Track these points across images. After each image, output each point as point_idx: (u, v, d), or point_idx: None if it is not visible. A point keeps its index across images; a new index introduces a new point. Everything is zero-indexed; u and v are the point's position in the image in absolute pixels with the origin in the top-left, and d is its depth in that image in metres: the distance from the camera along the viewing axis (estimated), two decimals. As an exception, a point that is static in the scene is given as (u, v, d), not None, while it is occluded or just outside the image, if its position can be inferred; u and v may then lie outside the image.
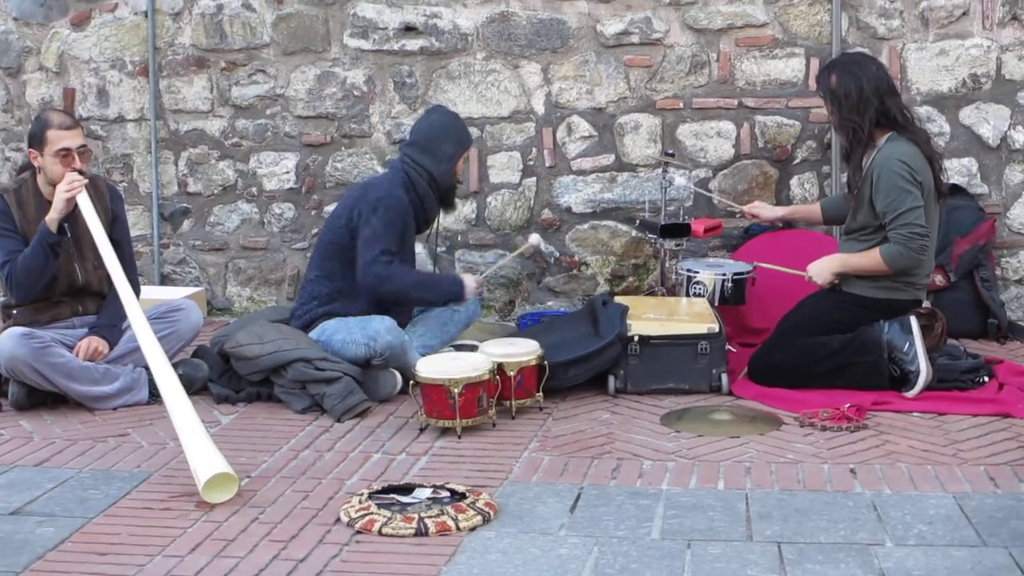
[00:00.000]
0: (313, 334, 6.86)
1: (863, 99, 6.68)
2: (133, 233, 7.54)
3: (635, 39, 8.26)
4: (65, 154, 6.60)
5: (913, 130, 6.76)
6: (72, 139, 6.64)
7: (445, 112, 7.27)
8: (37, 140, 6.66)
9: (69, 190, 6.50)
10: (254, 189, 8.76)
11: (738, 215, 7.90)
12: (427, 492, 5.27)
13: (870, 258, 6.64)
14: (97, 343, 6.67)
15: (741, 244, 8.08)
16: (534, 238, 7.62)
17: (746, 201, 7.94)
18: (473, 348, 6.77)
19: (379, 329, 6.72)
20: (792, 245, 7.64)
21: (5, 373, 6.54)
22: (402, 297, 7.00)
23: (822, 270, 6.80)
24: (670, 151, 8.06)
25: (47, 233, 6.51)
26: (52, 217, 6.52)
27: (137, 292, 6.46)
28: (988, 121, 8.06)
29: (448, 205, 7.23)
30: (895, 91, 6.88)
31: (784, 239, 7.83)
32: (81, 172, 6.59)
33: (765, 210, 7.50)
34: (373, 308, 6.90)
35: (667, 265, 7.74)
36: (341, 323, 6.82)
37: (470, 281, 7.06)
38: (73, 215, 6.59)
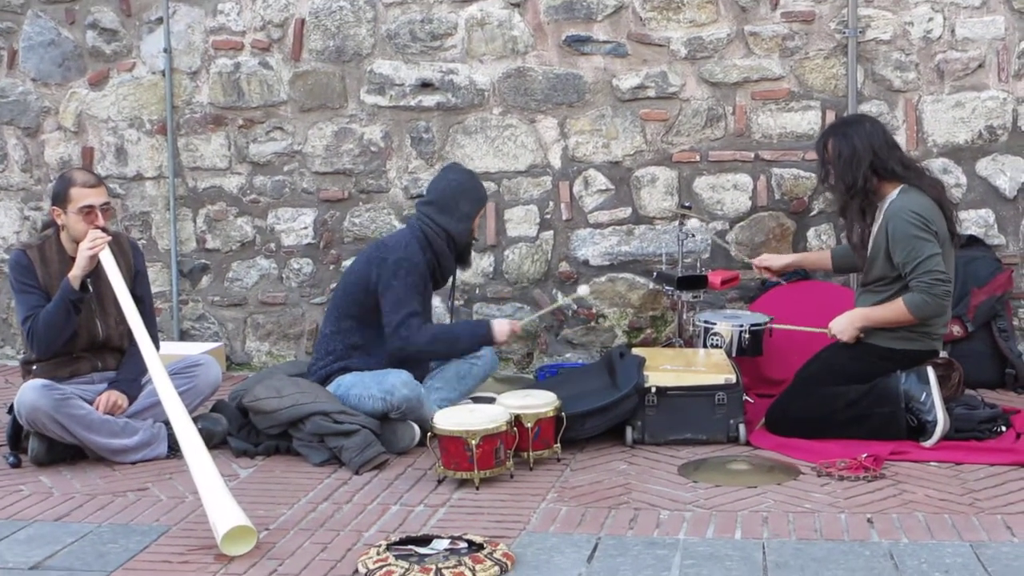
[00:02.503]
0: (329, 388, 6.88)
1: (855, 156, 6.76)
2: (152, 289, 7.57)
3: (651, 93, 8.30)
4: (88, 211, 6.64)
5: (921, 180, 6.79)
6: (95, 197, 6.68)
7: (462, 171, 7.30)
8: (60, 198, 6.70)
9: (92, 247, 6.54)
10: (272, 245, 8.81)
11: (754, 269, 7.93)
12: (445, 543, 5.27)
13: (894, 309, 6.65)
14: (117, 397, 6.70)
15: (759, 296, 8.09)
16: (583, 289, 7.57)
17: (762, 253, 7.96)
18: (491, 400, 6.78)
19: (395, 383, 6.73)
20: (810, 297, 7.65)
21: (26, 425, 6.57)
22: (431, 354, 7.06)
23: (845, 327, 6.80)
24: (687, 204, 8.09)
25: (70, 290, 6.55)
26: (75, 274, 6.56)
27: (157, 347, 6.48)
28: (1005, 172, 8.08)
29: (464, 263, 7.26)
30: (893, 144, 6.93)
31: (802, 291, 7.84)
32: (104, 229, 6.64)
33: (773, 260, 7.50)
34: (389, 362, 6.92)
35: (684, 317, 7.75)
36: (357, 377, 6.84)
37: (502, 324, 7.07)
38: (96, 272, 6.63)
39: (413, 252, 6.93)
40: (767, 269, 7.52)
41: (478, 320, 7.29)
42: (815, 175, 8.11)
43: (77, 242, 6.63)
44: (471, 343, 7.09)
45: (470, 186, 7.15)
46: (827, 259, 7.40)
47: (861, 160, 6.75)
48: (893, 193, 6.76)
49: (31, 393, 6.48)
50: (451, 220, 7.02)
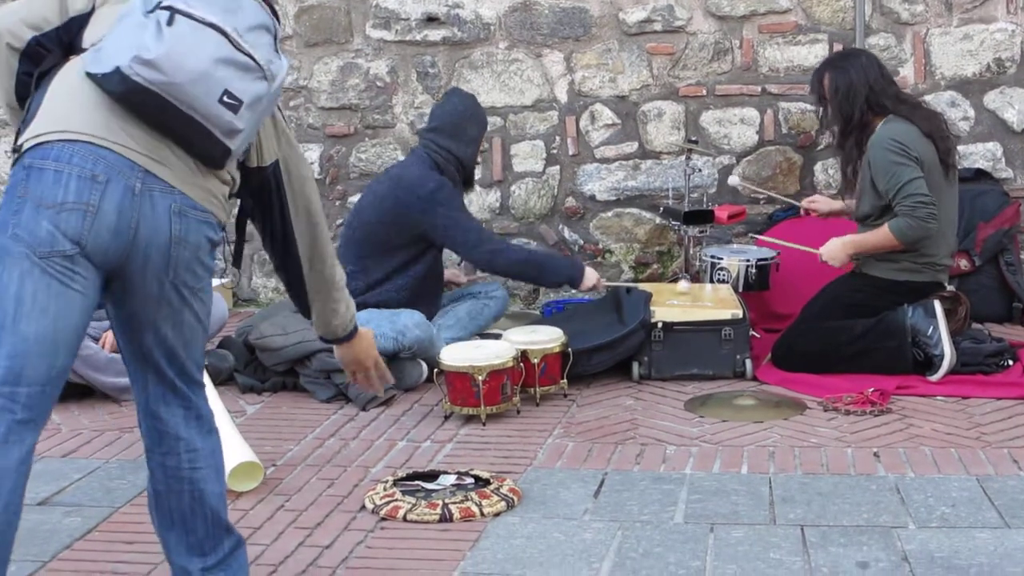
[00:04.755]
0: (343, 325, 6.88)
1: (852, 89, 6.78)
2: (159, 225, 7.54)
3: (657, 27, 8.26)
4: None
5: (914, 113, 6.77)
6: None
7: (465, 95, 7.26)
8: None
9: None
10: (279, 180, 8.78)
11: (762, 201, 7.91)
12: (451, 479, 5.29)
13: (880, 234, 6.67)
14: (122, 334, 6.70)
15: (765, 230, 8.07)
16: (683, 285, 7.47)
17: (770, 187, 7.96)
18: (497, 336, 6.78)
19: (408, 324, 6.73)
20: (814, 230, 7.62)
21: (32, 365, 6.57)
22: (517, 273, 7.13)
23: (834, 252, 6.82)
24: (693, 138, 8.06)
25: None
26: None
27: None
28: (1013, 106, 8.05)
29: (469, 185, 7.24)
30: (888, 78, 6.95)
31: (807, 224, 7.81)
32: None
33: (823, 204, 7.46)
34: (402, 301, 6.91)
35: (691, 252, 7.74)
36: (370, 316, 6.81)
37: (592, 274, 7.07)
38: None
39: (436, 176, 6.92)
40: (815, 211, 7.50)
41: (573, 259, 7.26)
42: (822, 108, 8.09)
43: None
44: (557, 279, 7.14)
45: (475, 110, 7.13)
46: None
47: (858, 93, 6.76)
48: (878, 125, 6.76)
49: (36, 335, 6.47)
50: (459, 144, 6.99)
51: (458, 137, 7.00)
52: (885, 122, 6.75)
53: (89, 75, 3.50)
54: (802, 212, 7.64)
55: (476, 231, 6.94)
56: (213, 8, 3.53)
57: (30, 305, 3.48)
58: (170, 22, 3.45)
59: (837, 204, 7.50)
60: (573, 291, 7.49)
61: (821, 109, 7.07)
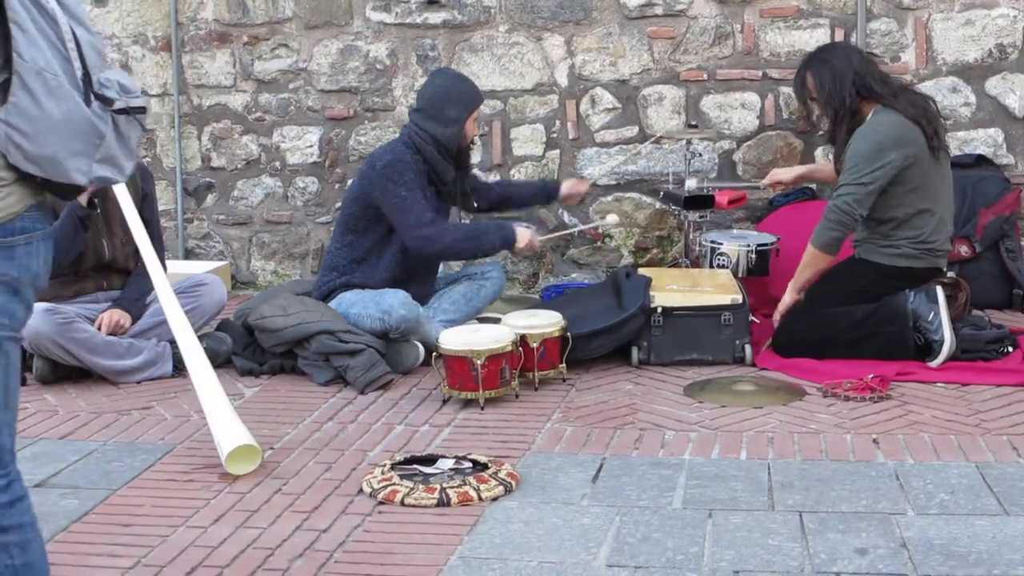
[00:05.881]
0: (331, 305, 6.87)
1: (837, 78, 6.80)
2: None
3: (658, 10, 8.23)
4: (95, 127, 6.60)
5: (897, 99, 6.75)
6: (102, 113, 6.64)
7: (449, 75, 7.22)
8: None
9: None
10: (277, 163, 8.78)
11: (762, 187, 7.89)
12: (449, 463, 5.29)
13: (807, 257, 6.82)
14: (119, 316, 6.69)
15: (765, 215, 8.06)
16: (612, 218, 7.51)
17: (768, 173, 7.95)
18: (496, 320, 6.77)
19: (393, 303, 6.70)
20: (816, 216, 7.60)
21: (29, 349, 6.56)
22: (456, 252, 7.08)
23: (786, 301, 6.93)
24: (694, 123, 8.04)
25: (77, 207, 6.52)
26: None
27: (164, 270, 6.47)
28: (1014, 91, 8.02)
29: (462, 168, 7.17)
30: (869, 60, 7.01)
31: (808, 210, 7.80)
32: (111, 146, 6.60)
33: (784, 174, 7.50)
34: (392, 280, 6.90)
35: (691, 237, 7.72)
36: (357, 296, 6.82)
37: (523, 232, 7.03)
38: (103, 190, 6.60)
39: (399, 153, 6.89)
40: (778, 183, 7.50)
41: (501, 223, 7.22)
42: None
43: (84, 160, 6.59)
44: (495, 243, 7.05)
45: (456, 90, 7.04)
46: (832, 169, 7.37)
47: (844, 81, 6.78)
48: (868, 114, 6.76)
49: (33, 318, 6.43)
50: (437, 125, 6.92)
51: (437, 118, 6.93)
52: (874, 113, 6.76)
53: None
54: (765, 188, 7.73)
55: (417, 213, 6.81)
56: None
57: None
58: None
59: (797, 170, 7.53)
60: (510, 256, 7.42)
61: (806, 110, 7.08)
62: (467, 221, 7.82)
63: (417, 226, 6.80)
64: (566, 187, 7.59)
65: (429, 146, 6.92)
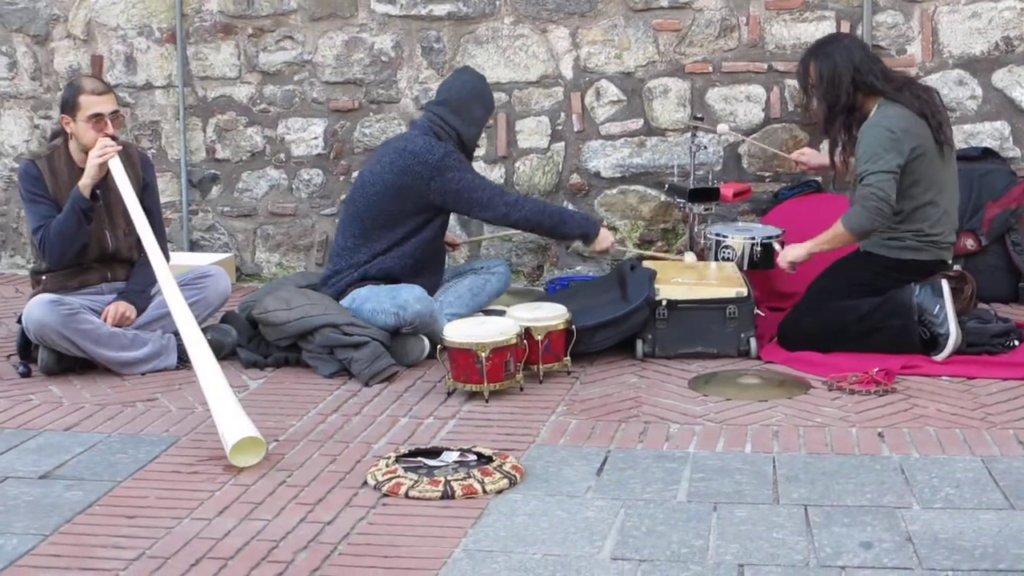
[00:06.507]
0: (343, 302, 6.85)
1: (836, 73, 6.80)
2: (162, 200, 7.50)
3: (664, 2, 8.21)
4: (98, 120, 6.62)
5: (901, 93, 6.74)
6: (104, 105, 6.65)
7: (476, 75, 7.23)
8: (69, 106, 6.67)
9: (102, 155, 6.52)
10: (282, 155, 8.77)
11: (768, 178, 7.86)
12: (454, 455, 5.28)
13: (833, 231, 6.71)
14: (125, 308, 6.69)
15: (770, 208, 8.05)
16: (690, 257, 7.45)
17: (776, 167, 7.93)
18: (501, 313, 6.77)
19: (408, 299, 6.70)
20: (821, 209, 7.60)
21: (34, 340, 6.57)
22: (534, 224, 7.05)
23: (799, 255, 6.86)
24: (699, 115, 8.03)
25: (80, 199, 6.53)
26: (85, 183, 6.54)
27: (166, 259, 6.47)
28: (1021, 84, 8.00)
29: None
30: (873, 57, 6.97)
31: (813, 203, 7.80)
32: (113, 138, 6.61)
33: (812, 157, 7.52)
34: (407, 271, 6.88)
35: (696, 229, 7.71)
36: (371, 292, 6.80)
37: (607, 235, 7.12)
38: (105, 182, 6.61)
39: (443, 146, 6.91)
40: (804, 164, 7.51)
41: (591, 216, 7.21)
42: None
43: (86, 151, 6.61)
44: (573, 232, 7.14)
45: (484, 91, 7.12)
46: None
47: (842, 77, 6.79)
48: (872, 108, 6.75)
49: (38, 309, 6.47)
50: (463, 122, 6.96)
51: (463, 115, 6.97)
52: (879, 106, 6.74)
53: None
54: (793, 166, 7.75)
55: (489, 188, 6.95)
56: None
57: None
58: None
59: (826, 158, 7.50)
60: (587, 251, 7.40)
61: (807, 98, 7.09)
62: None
63: (495, 198, 6.91)
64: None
65: (451, 141, 6.93)
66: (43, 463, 5.38)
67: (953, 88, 7.90)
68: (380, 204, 6.92)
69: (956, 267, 6.90)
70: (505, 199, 6.94)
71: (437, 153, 6.85)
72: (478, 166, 7.74)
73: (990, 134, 8.02)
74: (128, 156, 6.79)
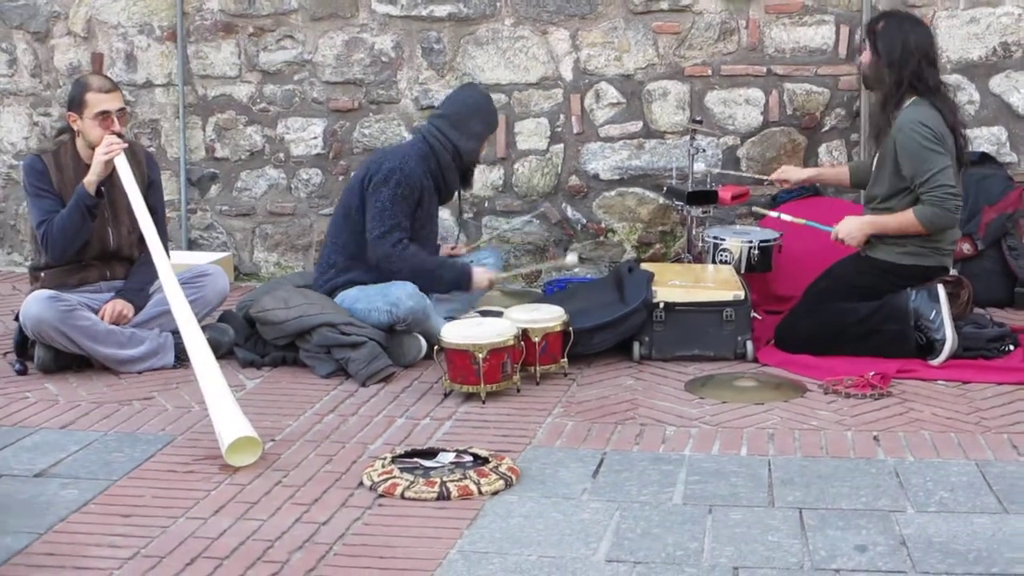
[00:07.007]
0: (335, 301, 6.85)
1: (905, 53, 6.63)
2: (162, 198, 7.52)
3: (664, 5, 8.22)
4: (104, 117, 6.63)
5: (942, 100, 6.72)
6: (111, 102, 6.66)
7: (480, 91, 7.24)
8: (76, 103, 6.68)
9: (108, 152, 6.53)
10: (281, 155, 8.78)
11: (765, 183, 7.88)
12: (450, 456, 5.29)
13: (904, 219, 6.60)
14: (122, 306, 6.69)
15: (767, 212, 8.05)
16: (571, 258, 7.41)
17: (774, 169, 7.93)
18: (498, 314, 6.77)
19: (400, 295, 6.70)
20: (820, 212, 7.60)
21: (32, 336, 6.57)
22: (409, 277, 6.91)
23: (853, 231, 6.75)
24: (698, 118, 8.04)
25: (85, 195, 6.53)
26: (90, 179, 6.55)
27: (168, 257, 6.46)
28: (1018, 90, 8.02)
29: (467, 183, 7.23)
30: (934, 59, 6.82)
31: (811, 206, 7.80)
32: (120, 135, 6.62)
33: (793, 173, 7.48)
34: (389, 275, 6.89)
35: (694, 232, 7.71)
36: (362, 291, 6.81)
37: (480, 274, 7.01)
38: (110, 179, 6.62)
39: (410, 166, 6.84)
40: (785, 181, 7.50)
41: (462, 264, 7.14)
42: (827, 90, 8.08)
43: (92, 148, 6.62)
44: (449, 286, 7.03)
45: (486, 108, 7.12)
46: (845, 175, 7.35)
47: (908, 61, 6.63)
48: (906, 103, 6.70)
49: (36, 305, 6.48)
50: (461, 136, 6.96)
51: (462, 129, 6.96)
52: (913, 103, 6.67)
53: None
54: (776, 183, 7.66)
55: (390, 226, 6.78)
56: None
57: None
58: None
59: (807, 172, 7.50)
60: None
61: (869, 58, 6.82)
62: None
63: (382, 238, 6.78)
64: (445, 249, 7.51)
65: (447, 153, 6.93)
66: (38, 461, 5.38)
67: (953, 94, 7.91)
68: (349, 205, 6.97)
69: (953, 272, 6.90)
70: (386, 249, 6.76)
71: (392, 163, 6.83)
72: (478, 168, 7.72)
73: (987, 139, 8.03)
74: (134, 154, 6.80)
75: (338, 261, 6.97)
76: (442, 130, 6.96)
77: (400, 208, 6.79)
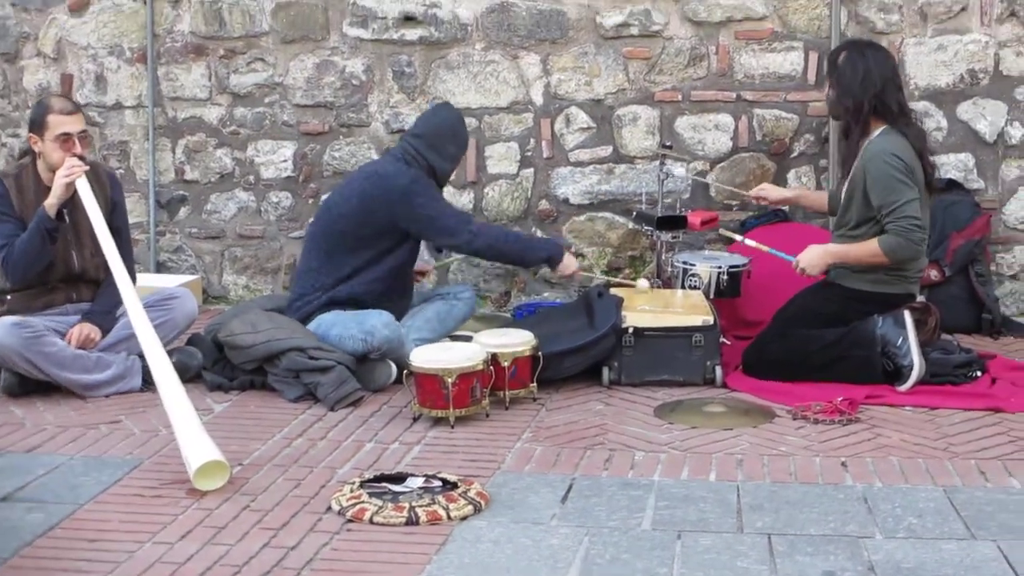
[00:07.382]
0: (310, 327, 6.83)
1: (867, 79, 6.69)
2: (129, 220, 7.47)
3: (634, 31, 8.25)
4: (65, 139, 6.60)
5: (908, 125, 6.76)
6: (73, 124, 6.64)
7: (455, 112, 7.25)
8: (37, 125, 6.66)
9: (68, 175, 6.50)
10: (251, 177, 8.76)
11: (735, 207, 7.89)
12: (419, 481, 5.28)
13: (867, 249, 6.64)
14: (89, 330, 6.67)
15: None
16: (643, 283, 7.42)
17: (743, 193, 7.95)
18: (468, 338, 6.77)
19: (376, 324, 6.69)
20: (788, 238, 7.62)
21: (-3, 361, 6.53)
22: (500, 252, 7.12)
23: (814, 260, 6.79)
24: (668, 143, 8.06)
25: (45, 218, 6.50)
26: (51, 202, 6.52)
27: (133, 280, 6.43)
28: (985, 117, 8.06)
29: None
30: (899, 84, 6.89)
31: (780, 231, 7.82)
32: (81, 158, 6.60)
33: (772, 191, 7.50)
34: (375, 296, 6.87)
35: (663, 257, 7.72)
36: (338, 317, 6.79)
37: (572, 260, 7.17)
38: (72, 201, 6.59)
39: (413, 171, 6.92)
40: (763, 198, 7.51)
41: (555, 240, 7.23)
42: (796, 116, 8.11)
43: (53, 170, 6.59)
44: (539, 256, 7.19)
45: (460, 129, 7.15)
46: (823, 200, 7.39)
47: (869, 87, 6.70)
48: (875, 132, 6.73)
49: (0, 332, 6.43)
50: (437, 157, 6.98)
51: (437, 150, 6.98)
52: (883, 132, 6.72)
53: None
54: (752, 200, 7.68)
55: (454, 216, 7.00)
56: None
57: None
58: None
59: (787, 192, 7.54)
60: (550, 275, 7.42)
61: (831, 90, 6.93)
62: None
63: (465, 223, 6.97)
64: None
65: (422, 170, 6.94)
66: (4, 485, 5.34)
67: (919, 120, 7.94)
68: (344, 226, 6.94)
69: (920, 298, 6.92)
70: (470, 227, 6.95)
71: (406, 178, 6.86)
72: (447, 191, 7.73)
73: (955, 165, 8.07)
74: (96, 176, 6.78)
75: (326, 283, 6.91)
76: (418, 149, 6.97)
77: (441, 201, 7.02)
